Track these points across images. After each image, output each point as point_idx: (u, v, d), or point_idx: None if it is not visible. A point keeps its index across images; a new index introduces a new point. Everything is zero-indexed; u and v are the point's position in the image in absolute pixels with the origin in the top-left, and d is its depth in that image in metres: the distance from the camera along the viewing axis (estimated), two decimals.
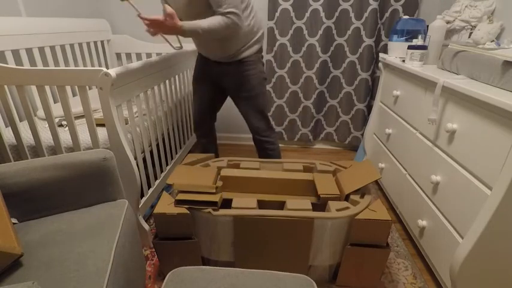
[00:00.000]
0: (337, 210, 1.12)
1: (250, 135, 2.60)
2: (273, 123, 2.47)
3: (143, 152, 1.51)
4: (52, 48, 1.82)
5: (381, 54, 1.84)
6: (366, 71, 2.18)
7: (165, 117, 1.74)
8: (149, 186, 1.56)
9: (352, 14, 2.08)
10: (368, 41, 2.10)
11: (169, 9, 1.17)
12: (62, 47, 1.90)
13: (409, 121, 1.46)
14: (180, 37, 1.38)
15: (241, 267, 1.08)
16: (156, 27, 1.18)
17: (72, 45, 1.96)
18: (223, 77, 1.54)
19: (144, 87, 1.42)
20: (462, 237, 1.02)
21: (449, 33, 1.61)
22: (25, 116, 1.19)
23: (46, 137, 1.31)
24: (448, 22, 1.60)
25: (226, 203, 1.19)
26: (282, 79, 2.33)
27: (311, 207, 1.14)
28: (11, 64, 1.47)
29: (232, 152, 2.45)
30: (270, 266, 1.19)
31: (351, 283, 1.21)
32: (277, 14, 2.13)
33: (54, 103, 1.73)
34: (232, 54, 1.45)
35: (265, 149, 1.67)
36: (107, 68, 1.15)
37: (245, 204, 1.16)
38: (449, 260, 1.08)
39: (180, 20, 1.24)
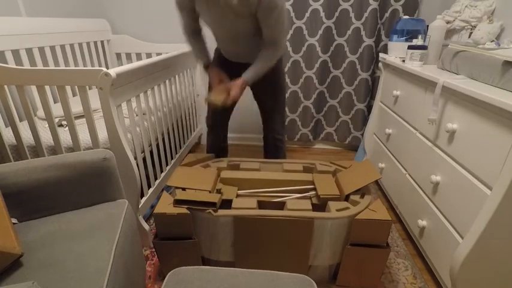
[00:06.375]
0: (337, 210, 1.12)
1: (251, 135, 2.62)
2: None
3: (143, 152, 1.51)
4: (52, 48, 1.82)
5: (381, 54, 1.83)
6: (366, 71, 2.18)
7: (165, 117, 1.74)
8: (149, 186, 1.56)
9: (352, 14, 2.08)
10: (368, 41, 2.10)
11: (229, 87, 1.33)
12: (62, 47, 1.90)
13: (409, 121, 1.46)
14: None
15: (241, 267, 1.08)
16: (236, 97, 1.34)
17: (72, 45, 1.96)
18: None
19: (144, 87, 1.42)
20: (462, 237, 1.02)
21: (449, 33, 1.61)
22: (25, 116, 1.19)
23: (46, 137, 1.31)
24: (448, 22, 1.60)
25: (227, 203, 1.19)
26: None
27: (311, 207, 1.14)
28: (11, 64, 1.47)
29: (233, 152, 2.44)
30: (270, 266, 1.19)
31: (351, 283, 1.21)
32: None
33: (54, 103, 1.73)
34: None
35: (276, 146, 1.70)
36: (107, 68, 1.15)
37: (245, 204, 1.16)
38: (449, 260, 1.08)
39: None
